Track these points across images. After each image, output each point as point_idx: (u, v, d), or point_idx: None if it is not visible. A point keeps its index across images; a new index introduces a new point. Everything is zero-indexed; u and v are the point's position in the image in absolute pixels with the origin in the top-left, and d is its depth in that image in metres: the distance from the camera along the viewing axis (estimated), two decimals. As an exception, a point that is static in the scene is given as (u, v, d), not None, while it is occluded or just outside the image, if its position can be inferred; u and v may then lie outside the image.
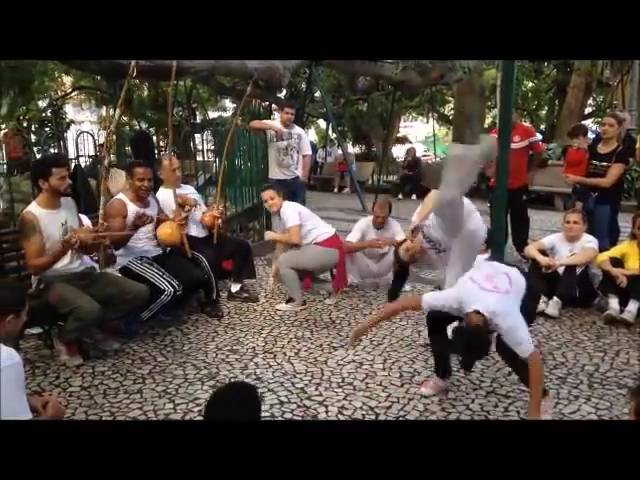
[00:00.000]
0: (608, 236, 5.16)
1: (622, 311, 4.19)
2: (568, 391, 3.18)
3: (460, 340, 2.73)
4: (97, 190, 4.95)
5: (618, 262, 4.41)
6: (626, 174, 5.69)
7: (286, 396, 3.15)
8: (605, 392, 3.16)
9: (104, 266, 3.98)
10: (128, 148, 8.27)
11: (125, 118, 20.58)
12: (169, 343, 3.95)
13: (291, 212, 4.68)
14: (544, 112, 21.07)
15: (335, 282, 4.97)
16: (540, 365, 2.80)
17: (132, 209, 4.02)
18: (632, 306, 4.17)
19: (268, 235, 5.11)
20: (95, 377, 3.42)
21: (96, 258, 3.99)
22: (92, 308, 3.43)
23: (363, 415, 2.94)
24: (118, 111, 4.25)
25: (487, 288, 2.80)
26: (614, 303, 4.28)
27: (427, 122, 23.93)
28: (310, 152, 6.73)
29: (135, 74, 3.84)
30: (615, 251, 4.53)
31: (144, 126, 20.79)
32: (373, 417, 2.92)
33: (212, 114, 22.91)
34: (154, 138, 18.02)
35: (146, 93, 20.89)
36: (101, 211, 3.82)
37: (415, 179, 13.50)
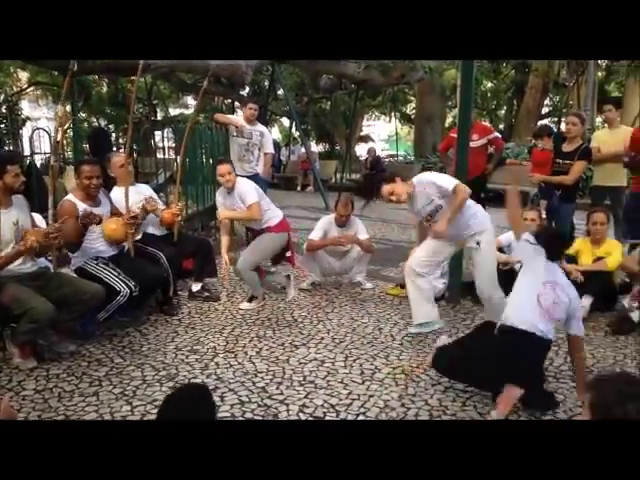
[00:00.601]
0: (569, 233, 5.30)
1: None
2: (524, 385, 3.24)
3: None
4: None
5: (572, 258, 4.53)
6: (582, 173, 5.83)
7: (247, 396, 3.13)
8: (559, 385, 3.25)
9: (58, 266, 3.88)
10: (86, 145, 8.12)
11: (83, 114, 20.18)
12: (127, 344, 3.88)
13: (249, 188, 4.58)
14: (503, 112, 21.50)
15: (290, 259, 4.96)
16: (582, 344, 3.12)
17: (83, 209, 3.91)
18: (585, 301, 4.28)
19: (224, 214, 4.65)
20: (49, 380, 3.33)
21: (50, 258, 3.89)
22: (46, 309, 3.33)
23: (324, 413, 2.94)
24: (61, 107, 4.12)
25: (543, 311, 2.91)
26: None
27: (389, 121, 24.17)
28: (272, 150, 6.72)
29: (76, 69, 3.74)
30: (569, 248, 4.65)
31: (103, 123, 20.41)
32: (334, 415, 2.93)
33: (173, 111, 22.65)
34: (113, 135, 17.69)
35: (105, 89, 20.50)
36: (51, 210, 3.71)
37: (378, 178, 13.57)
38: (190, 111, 23.25)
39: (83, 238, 3.89)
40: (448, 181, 3.87)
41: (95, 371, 3.45)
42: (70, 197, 3.99)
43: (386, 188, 3.89)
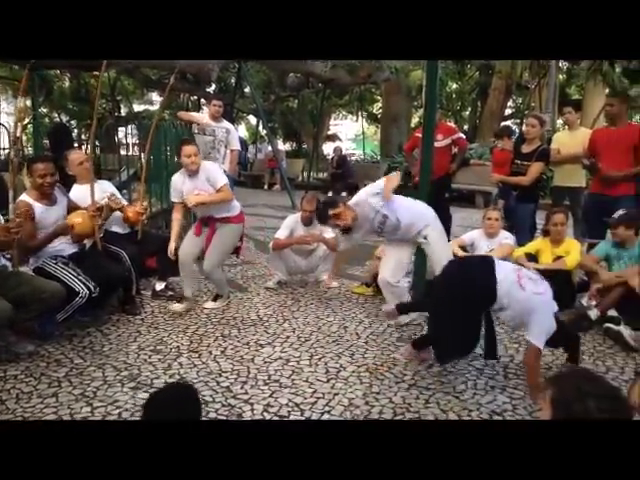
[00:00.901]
0: (529, 233, 5.41)
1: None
2: (485, 382, 3.30)
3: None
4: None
5: (533, 257, 4.62)
6: (542, 174, 5.95)
7: (211, 395, 3.10)
8: (519, 382, 3.31)
9: (18, 265, 3.77)
10: (47, 141, 7.93)
11: (45, 110, 19.71)
12: (87, 344, 3.81)
13: (217, 169, 4.46)
14: (467, 113, 21.82)
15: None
16: (538, 354, 3.10)
17: (38, 209, 3.79)
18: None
19: (195, 199, 4.25)
20: (7, 381, 3.24)
21: (9, 256, 3.79)
22: (3, 308, 3.24)
23: (289, 412, 2.94)
24: (21, 101, 4.02)
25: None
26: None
27: (356, 120, 24.27)
28: (238, 147, 6.68)
29: (34, 62, 3.65)
30: (530, 247, 4.74)
31: (65, 118, 19.96)
32: (299, 413, 2.93)
33: (138, 107, 22.30)
34: (75, 131, 17.33)
35: (67, 84, 20.06)
36: (11, 205, 3.60)
37: (344, 176, 13.66)
38: (155, 107, 22.93)
39: (45, 245, 3.79)
40: (376, 184, 4.11)
41: (54, 372, 3.37)
42: (24, 197, 3.83)
43: (332, 215, 4.03)
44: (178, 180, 4.41)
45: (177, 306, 4.49)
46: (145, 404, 1.85)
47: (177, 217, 4.49)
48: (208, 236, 4.46)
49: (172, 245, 4.38)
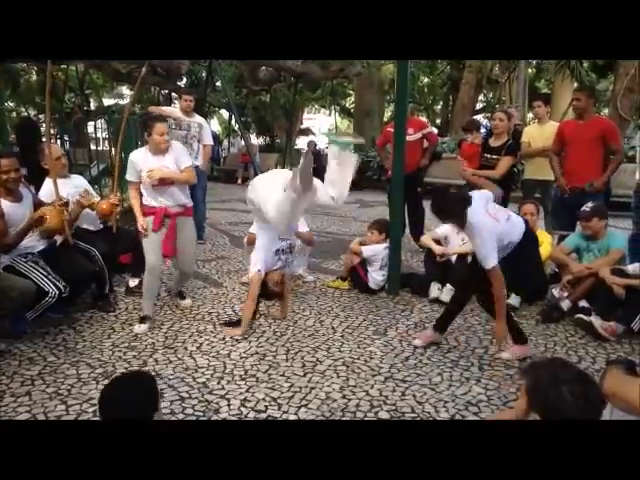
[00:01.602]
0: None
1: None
2: (460, 373, 3.35)
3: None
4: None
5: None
6: (514, 167, 6.04)
7: (187, 392, 3.09)
8: (494, 373, 3.36)
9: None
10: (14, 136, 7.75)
11: (12, 104, 19.26)
12: (61, 342, 3.75)
13: (185, 151, 4.30)
14: (439, 107, 21.99)
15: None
16: (501, 278, 3.32)
17: (5, 206, 3.67)
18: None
19: (159, 173, 3.95)
20: (-22, 381, 3.18)
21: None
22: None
23: (266, 407, 2.94)
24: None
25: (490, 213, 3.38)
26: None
27: (330, 114, 24.23)
28: (211, 142, 6.61)
29: None
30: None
31: (32, 112, 19.55)
32: (276, 408, 2.93)
33: (107, 101, 21.93)
34: (43, 125, 16.95)
35: (35, 77, 19.62)
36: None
37: (319, 170, 13.63)
38: (125, 101, 22.57)
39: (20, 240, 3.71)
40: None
41: (27, 370, 3.32)
42: None
43: None
44: (139, 158, 4.04)
45: (141, 327, 4.01)
46: (99, 399, 1.83)
47: (136, 196, 4.10)
48: (169, 234, 4.07)
49: (141, 220, 4.02)
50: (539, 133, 5.84)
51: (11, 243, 3.71)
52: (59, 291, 3.70)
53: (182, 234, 4.15)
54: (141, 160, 4.02)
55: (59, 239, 4.14)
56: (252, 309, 4.00)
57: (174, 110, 6.56)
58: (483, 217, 3.32)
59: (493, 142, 5.64)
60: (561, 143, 5.18)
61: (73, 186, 4.44)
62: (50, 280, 3.71)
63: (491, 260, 3.27)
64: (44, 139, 5.13)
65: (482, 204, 3.39)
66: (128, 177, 4.10)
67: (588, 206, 4.37)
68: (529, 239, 3.49)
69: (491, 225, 3.32)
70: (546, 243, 4.62)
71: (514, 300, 4.45)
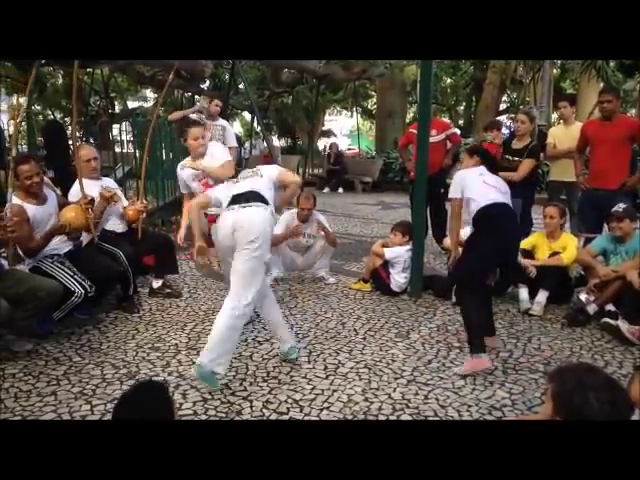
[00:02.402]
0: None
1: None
2: (484, 377, 3.30)
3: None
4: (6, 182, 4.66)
5: (529, 253, 4.63)
6: (538, 168, 5.96)
7: (210, 393, 3.10)
8: (518, 377, 3.32)
9: (14, 263, 3.76)
10: (41, 139, 7.88)
11: (38, 107, 19.60)
12: (86, 342, 3.80)
13: (223, 149, 4.38)
14: (462, 108, 21.82)
15: None
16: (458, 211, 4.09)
17: (30, 209, 3.75)
18: (541, 296, 4.39)
19: (193, 164, 4.06)
20: (5, 380, 3.23)
21: (5, 254, 3.77)
22: (0, 307, 3.23)
23: (288, 409, 2.94)
24: (26, 99, 3.99)
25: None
26: (524, 293, 4.49)
27: (351, 116, 24.22)
28: (235, 144, 6.64)
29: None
30: (525, 243, 4.72)
31: (59, 116, 19.88)
32: (298, 410, 2.93)
33: (132, 104, 22.20)
34: (69, 128, 17.22)
35: (61, 81, 19.96)
36: (8, 204, 3.58)
37: (340, 172, 13.65)
38: (149, 104, 22.84)
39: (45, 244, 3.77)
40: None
41: (53, 370, 3.37)
42: (15, 199, 3.77)
43: None
44: (181, 168, 4.22)
45: None
46: (114, 407, 1.82)
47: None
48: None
49: (181, 233, 4.15)
50: (565, 134, 5.75)
51: (36, 247, 3.78)
52: (85, 291, 3.75)
53: None
54: (185, 170, 4.17)
55: (85, 240, 4.20)
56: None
57: (193, 109, 6.61)
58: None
59: (515, 144, 5.56)
60: (584, 142, 5.10)
61: (102, 188, 4.50)
62: (76, 280, 3.77)
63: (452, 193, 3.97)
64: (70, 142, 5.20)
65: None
66: (182, 190, 4.34)
67: (620, 206, 4.28)
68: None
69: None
70: (572, 246, 4.55)
71: (523, 294, 4.48)
